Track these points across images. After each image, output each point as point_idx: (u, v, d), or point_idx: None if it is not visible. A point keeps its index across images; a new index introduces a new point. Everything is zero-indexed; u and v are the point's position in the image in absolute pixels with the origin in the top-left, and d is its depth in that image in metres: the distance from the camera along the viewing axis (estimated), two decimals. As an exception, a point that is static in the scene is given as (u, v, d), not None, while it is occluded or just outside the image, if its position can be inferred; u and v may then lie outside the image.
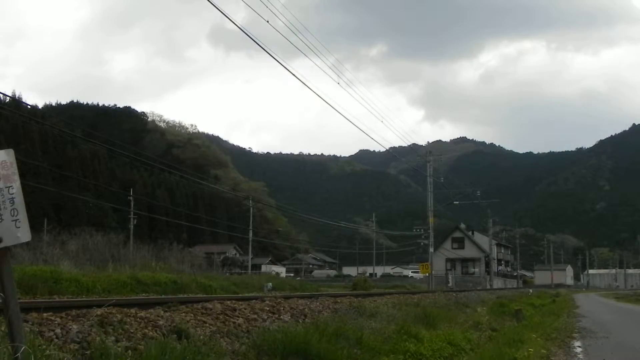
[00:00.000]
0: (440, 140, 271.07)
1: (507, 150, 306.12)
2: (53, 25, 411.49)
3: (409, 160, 62.79)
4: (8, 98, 62.95)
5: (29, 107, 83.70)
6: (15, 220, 3.56)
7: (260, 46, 15.06)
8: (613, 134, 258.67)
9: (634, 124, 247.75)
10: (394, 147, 63.67)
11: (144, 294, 16.94)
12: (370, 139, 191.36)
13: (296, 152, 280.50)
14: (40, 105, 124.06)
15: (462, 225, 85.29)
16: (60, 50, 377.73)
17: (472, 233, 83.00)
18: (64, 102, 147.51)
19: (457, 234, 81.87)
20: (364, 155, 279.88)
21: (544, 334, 12.59)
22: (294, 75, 16.81)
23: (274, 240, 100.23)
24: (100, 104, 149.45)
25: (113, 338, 5.66)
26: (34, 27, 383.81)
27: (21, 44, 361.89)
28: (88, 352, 5.01)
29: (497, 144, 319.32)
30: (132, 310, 7.11)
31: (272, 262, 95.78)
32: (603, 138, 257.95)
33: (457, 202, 54.65)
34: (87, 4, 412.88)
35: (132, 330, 6.14)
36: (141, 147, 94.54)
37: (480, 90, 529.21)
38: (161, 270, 25.32)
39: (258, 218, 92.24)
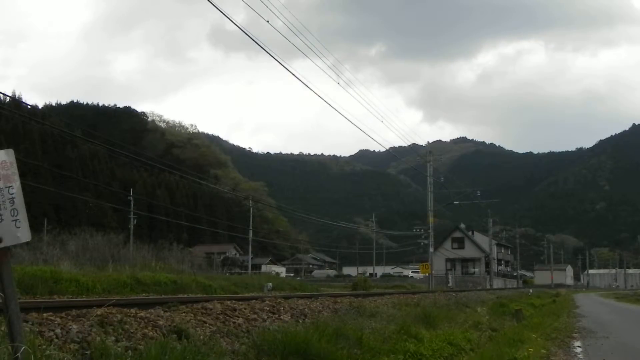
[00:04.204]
0: (440, 140, 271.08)
1: (507, 150, 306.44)
2: (56, 26, 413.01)
3: (409, 160, 62.81)
4: (8, 98, 63.02)
5: (29, 107, 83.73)
6: (15, 220, 3.56)
7: (260, 46, 15.08)
8: (613, 134, 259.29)
9: (634, 124, 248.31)
10: (394, 147, 63.63)
11: (144, 294, 16.92)
12: (371, 139, 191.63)
13: (296, 152, 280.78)
14: (40, 105, 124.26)
15: (462, 225, 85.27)
16: (62, 51, 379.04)
17: (472, 233, 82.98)
18: (64, 102, 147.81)
19: (457, 234, 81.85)
20: (364, 155, 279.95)
21: (544, 334, 12.59)
22: (294, 75, 16.83)
23: (274, 240, 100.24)
24: (100, 104, 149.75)
25: (113, 338, 5.66)
26: (36, 29, 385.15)
27: (24, 45, 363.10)
28: (88, 352, 5.01)
29: (497, 144, 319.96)
30: (132, 310, 7.11)
31: (272, 262, 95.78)
32: (603, 138, 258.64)
33: (457, 202, 54.58)
34: (90, 6, 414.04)
35: (132, 330, 6.14)
36: (141, 147, 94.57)
37: (480, 91, 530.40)
38: (161, 270, 25.27)
39: (258, 218, 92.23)
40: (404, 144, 79.22)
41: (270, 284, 28.87)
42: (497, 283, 72.75)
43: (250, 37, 14.43)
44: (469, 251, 78.93)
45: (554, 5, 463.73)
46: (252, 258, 71.42)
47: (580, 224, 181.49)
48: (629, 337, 13.21)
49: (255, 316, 9.01)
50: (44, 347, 4.58)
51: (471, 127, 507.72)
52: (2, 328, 4.41)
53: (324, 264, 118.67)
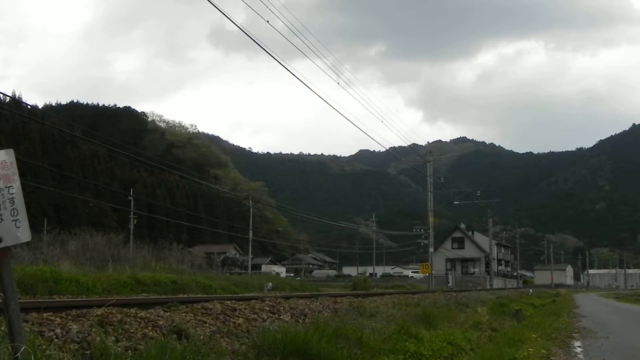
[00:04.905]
0: (440, 140, 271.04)
1: (507, 150, 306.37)
2: (56, 27, 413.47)
3: (409, 160, 62.80)
4: (8, 98, 63.01)
5: (29, 107, 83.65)
6: (15, 220, 3.56)
7: (260, 46, 15.08)
8: (613, 134, 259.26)
9: (634, 124, 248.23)
10: (394, 147, 63.74)
11: (144, 294, 16.91)
12: (371, 139, 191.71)
13: (296, 152, 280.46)
14: (40, 105, 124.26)
15: (462, 225, 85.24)
16: (63, 51, 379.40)
17: (472, 233, 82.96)
18: (64, 102, 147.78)
19: (457, 234, 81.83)
20: (364, 155, 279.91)
21: (544, 334, 12.59)
22: (294, 75, 16.83)
23: (274, 240, 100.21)
24: (100, 104, 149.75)
25: (113, 338, 5.66)
26: (37, 29, 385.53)
27: (24, 46, 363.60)
28: (88, 352, 5.00)
29: (497, 144, 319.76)
30: (132, 310, 7.11)
31: (272, 262, 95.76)
32: (603, 138, 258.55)
33: (457, 202, 54.61)
34: (90, 6, 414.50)
35: (132, 330, 6.14)
36: (141, 147, 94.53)
37: (480, 91, 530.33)
38: (161, 270, 25.29)
39: (258, 218, 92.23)
40: (404, 144, 79.28)
41: (270, 284, 28.87)
42: (497, 283, 72.76)
43: (250, 37, 14.44)
44: (469, 251, 78.91)
45: (554, 5, 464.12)
46: (252, 258, 71.41)
47: (580, 224, 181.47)
48: (629, 337, 13.21)
49: (255, 316, 9.01)
50: (44, 347, 4.58)
51: (471, 127, 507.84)
52: (2, 328, 4.41)
53: (324, 264, 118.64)
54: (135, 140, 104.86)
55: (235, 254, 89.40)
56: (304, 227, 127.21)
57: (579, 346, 10.97)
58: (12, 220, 3.55)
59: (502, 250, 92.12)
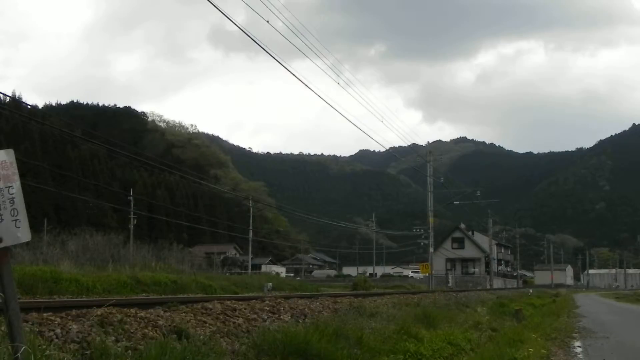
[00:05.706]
0: (440, 140, 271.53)
1: (507, 150, 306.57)
2: (57, 27, 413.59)
3: (409, 160, 62.88)
4: (8, 98, 63.03)
5: (29, 107, 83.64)
6: (15, 220, 3.56)
7: (260, 46, 15.07)
8: (613, 134, 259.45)
9: (634, 124, 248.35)
10: (394, 147, 63.90)
11: (144, 294, 16.92)
12: (371, 139, 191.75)
13: (296, 152, 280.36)
14: (40, 106, 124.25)
15: (462, 225, 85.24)
16: (63, 51, 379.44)
17: (472, 233, 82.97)
18: (64, 102, 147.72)
19: (457, 234, 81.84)
20: (364, 155, 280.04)
21: (544, 334, 12.58)
22: (294, 75, 16.82)
23: (274, 240, 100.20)
24: (101, 104, 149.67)
25: (113, 338, 5.66)
26: (37, 29, 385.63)
27: (25, 46, 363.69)
28: (88, 352, 5.00)
29: (497, 144, 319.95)
30: (132, 310, 7.11)
31: (272, 262, 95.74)
32: (603, 138, 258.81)
33: (457, 202, 54.69)
34: (91, 7, 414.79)
35: (132, 330, 6.14)
36: (141, 147, 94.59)
37: (480, 91, 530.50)
38: (161, 270, 25.31)
39: (258, 218, 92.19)
40: (404, 144, 79.41)
41: (270, 284, 28.86)
42: (497, 283, 72.74)
43: (251, 37, 14.44)
44: (469, 251, 78.92)
45: (554, 5, 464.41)
46: (252, 258, 71.37)
47: (580, 224, 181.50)
48: (629, 337, 13.20)
49: (255, 316, 9.00)
50: (44, 347, 4.58)
51: (471, 127, 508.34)
52: (2, 328, 4.41)
53: (324, 264, 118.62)
54: (135, 140, 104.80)
55: (235, 254, 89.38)
56: (304, 227, 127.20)
57: (579, 346, 10.97)
58: (12, 220, 3.55)
59: (502, 250, 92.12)
